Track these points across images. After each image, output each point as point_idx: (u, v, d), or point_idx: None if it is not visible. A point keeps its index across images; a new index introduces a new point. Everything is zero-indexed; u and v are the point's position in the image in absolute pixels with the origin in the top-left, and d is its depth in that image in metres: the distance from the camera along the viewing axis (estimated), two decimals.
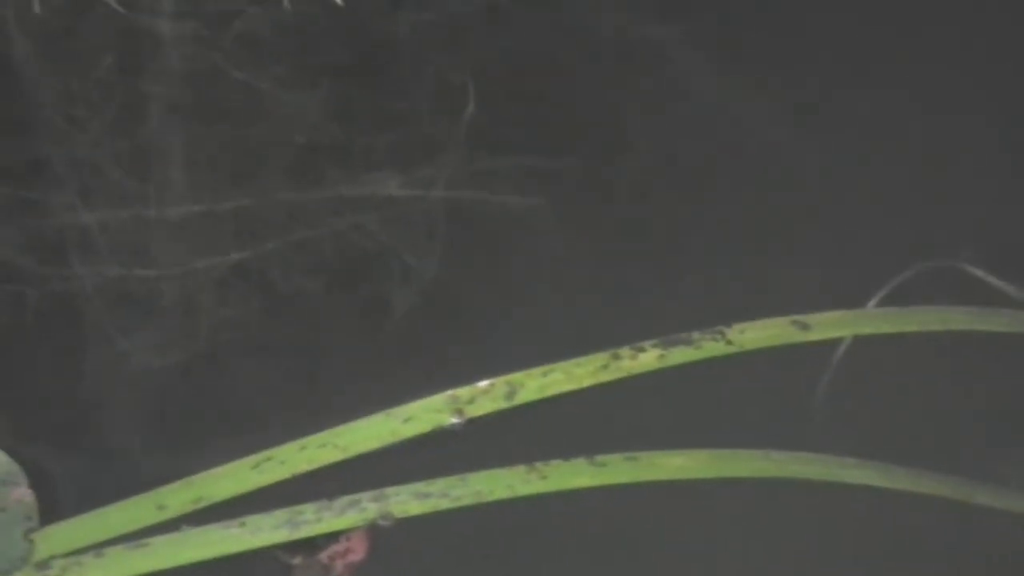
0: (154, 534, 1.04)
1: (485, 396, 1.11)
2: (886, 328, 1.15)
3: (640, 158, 1.27)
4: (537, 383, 1.12)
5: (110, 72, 1.28)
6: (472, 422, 1.11)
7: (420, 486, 1.07)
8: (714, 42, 1.33)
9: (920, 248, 1.19)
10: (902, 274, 1.17)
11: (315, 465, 1.08)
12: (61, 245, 1.19)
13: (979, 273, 1.18)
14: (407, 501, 1.06)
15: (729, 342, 1.13)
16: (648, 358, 1.13)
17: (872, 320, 1.16)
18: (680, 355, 1.13)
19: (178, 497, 1.06)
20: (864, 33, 1.33)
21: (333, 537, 1.06)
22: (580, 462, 1.09)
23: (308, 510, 1.06)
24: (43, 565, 1.02)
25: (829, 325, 1.15)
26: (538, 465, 1.08)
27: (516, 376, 1.12)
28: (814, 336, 1.14)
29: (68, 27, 1.30)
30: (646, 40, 1.32)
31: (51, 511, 1.05)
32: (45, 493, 1.05)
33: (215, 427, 1.11)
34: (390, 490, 1.07)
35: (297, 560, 1.05)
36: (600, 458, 1.09)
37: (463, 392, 1.11)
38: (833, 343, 1.15)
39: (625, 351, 1.13)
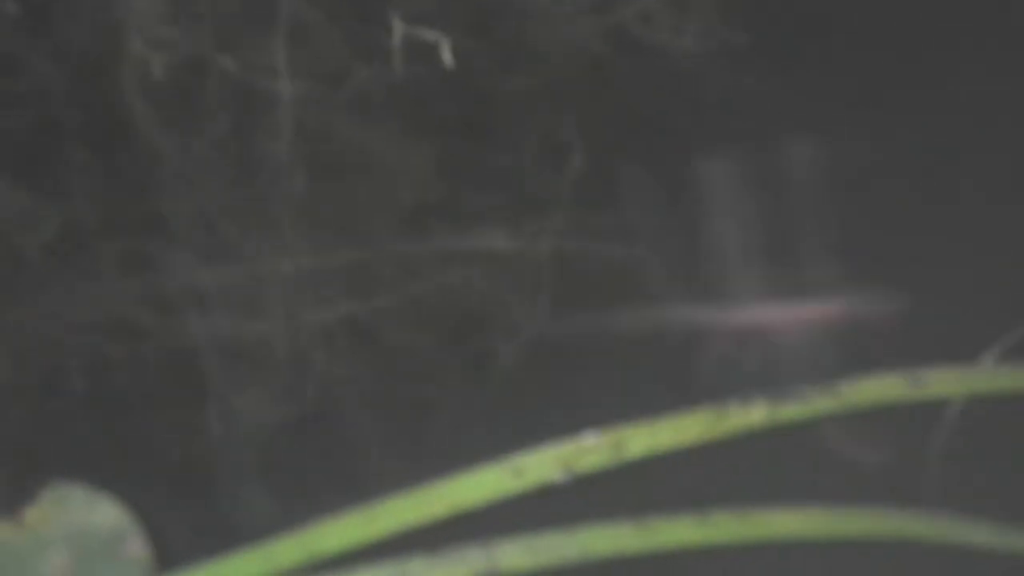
0: None
1: (592, 452, 1.11)
2: (1001, 385, 1.13)
3: (746, 211, 1.26)
4: (645, 438, 1.12)
5: (225, 131, 1.32)
6: (579, 478, 1.11)
7: (527, 541, 1.07)
8: (823, 95, 1.32)
9: None
10: (1017, 329, 1.15)
11: (423, 518, 1.09)
12: (176, 301, 1.22)
13: None
14: (514, 555, 1.06)
15: (840, 397, 1.12)
16: (757, 413, 1.12)
17: (987, 377, 1.13)
18: (790, 411, 1.11)
19: (288, 550, 1.07)
20: (975, 84, 1.32)
21: None
22: (688, 519, 1.08)
23: (416, 563, 1.06)
24: None
25: (943, 382, 1.13)
26: (645, 521, 1.08)
27: (624, 432, 1.12)
28: (928, 392, 1.12)
29: (186, 89, 1.34)
30: (751, 94, 1.32)
31: (165, 564, 1.07)
32: (159, 546, 1.07)
33: (325, 481, 1.12)
34: (497, 544, 1.07)
35: None
36: (709, 515, 1.08)
37: (571, 447, 1.11)
38: (948, 400, 1.12)
39: (734, 406, 1.12)
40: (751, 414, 1.12)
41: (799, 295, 1.21)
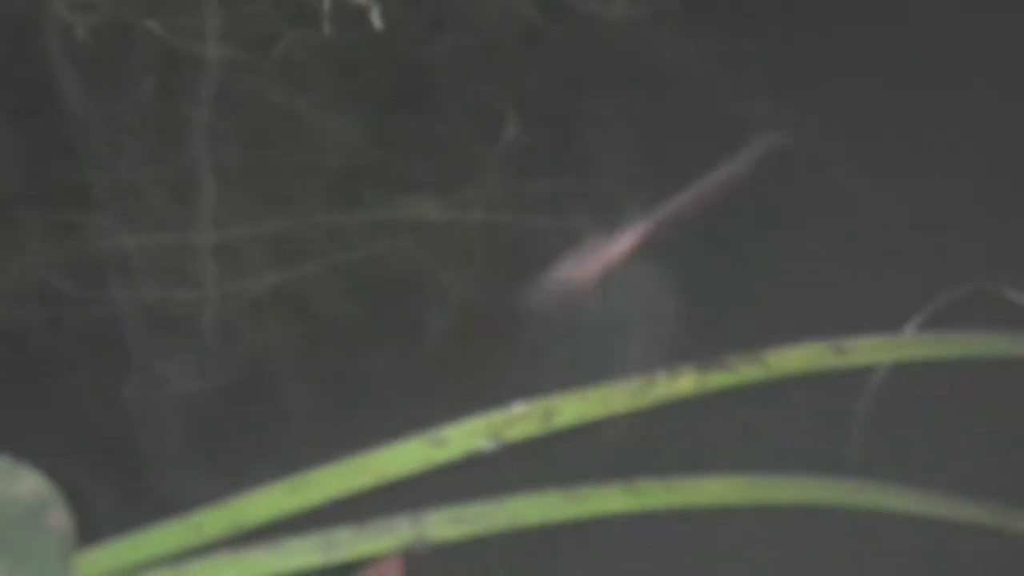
0: (190, 558, 1.05)
1: (521, 420, 1.11)
2: (924, 353, 1.14)
3: (677, 179, 1.27)
4: (573, 407, 1.12)
5: (150, 96, 1.30)
6: (507, 447, 1.11)
7: (455, 510, 1.07)
8: (753, 63, 1.32)
9: (959, 271, 1.18)
10: (940, 298, 1.16)
11: (350, 489, 1.08)
12: (100, 268, 1.20)
13: (1018, 298, 1.17)
14: (442, 525, 1.07)
15: (766, 366, 1.13)
16: (685, 382, 1.12)
17: (910, 345, 1.15)
18: (717, 379, 1.12)
19: (215, 520, 1.06)
20: (906, 52, 1.33)
21: (368, 562, 1.06)
22: (615, 487, 1.08)
23: (343, 534, 1.06)
24: None
25: (867, 350, 1.14)
26: (573, 490, 1.08)
27: (552, 400, 1.12)
28: (852, 361, 1.13)
29: (109, 52, 1.32)
30: (684, 61, 1.32)
31: (89, 534, 1.06)
32: (83, 516, 1.06)
33: (252, 451, 1.11)
34: (425, 514, 1.07)
35: None
36: (636, 483, 1.08)
37: (499, 416, 1.11)
38: (871, 368, 1.14)
39: (661, 375, 1.13)
40: (678, 383, 1.12)
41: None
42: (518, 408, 1.11)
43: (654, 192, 1.25)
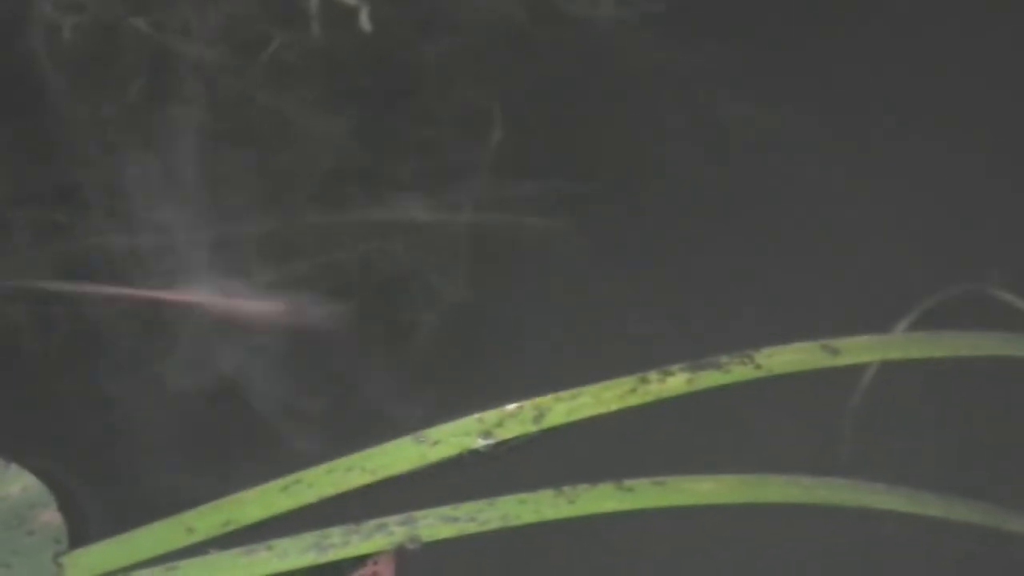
0: (183, 557, 1.05)
1: (512, 419, 1.12)
2: (916, 353, 1.15)
3: (666, 181, 1.27)
4: (565, 406, 1.12)
5: (139, 97, 1.29)
6: (499, 445, 1.11)
7: (447, 510, 1.07)
8: (741, 66, 1.33)
9: (949, 272, 1.19)
10: (931, 298, 1.17)
11: (343, 488, 1.08)
12: (90, 269, 1.20)
13: (1009, 298, 1.17)
14: (434, 525, 1.06)
15: (758, 366, 1.13)
16: (676, 382, 1.13)
17: (902, 345, 1.15)
18: (709, 379, 1.12)
19: (207, 520, 1.06)
20: (892, 54, 1.33)
21: (360, 561, 1.06)
22: (608, 486, 1.08)
23: (335, 534, 1.06)
24: None
25: (858, 350, 1.14)
26: (565, 489, 1.08)
27: (543, 399, 1.12)
28: (843, 360, 1.14)
29: (98, 52, 1.32)
30: (671, 64, 1.33)
31: (80, 534, 1.05)
32: (74, 516, 1.06)
33: (244, 450, 1.11)
34: (418, 513, 1.07)
35: None
36: (628, 483, 1.09)
37: (490, 415, 1.11)
38: (862, 368, 1.14)
39: (653, 375, 1.13)
40: (670, 383, 1.12)
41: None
42: (509, 407, 1.11)
43: (639, 193, 1.26)
